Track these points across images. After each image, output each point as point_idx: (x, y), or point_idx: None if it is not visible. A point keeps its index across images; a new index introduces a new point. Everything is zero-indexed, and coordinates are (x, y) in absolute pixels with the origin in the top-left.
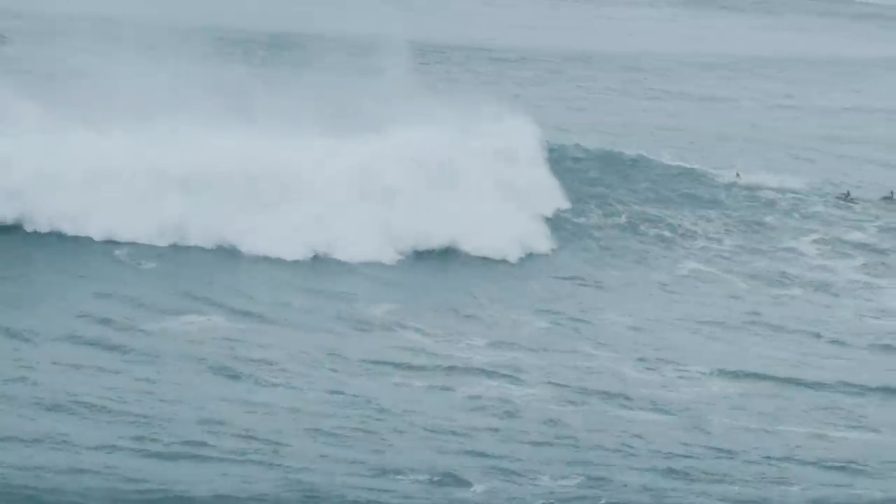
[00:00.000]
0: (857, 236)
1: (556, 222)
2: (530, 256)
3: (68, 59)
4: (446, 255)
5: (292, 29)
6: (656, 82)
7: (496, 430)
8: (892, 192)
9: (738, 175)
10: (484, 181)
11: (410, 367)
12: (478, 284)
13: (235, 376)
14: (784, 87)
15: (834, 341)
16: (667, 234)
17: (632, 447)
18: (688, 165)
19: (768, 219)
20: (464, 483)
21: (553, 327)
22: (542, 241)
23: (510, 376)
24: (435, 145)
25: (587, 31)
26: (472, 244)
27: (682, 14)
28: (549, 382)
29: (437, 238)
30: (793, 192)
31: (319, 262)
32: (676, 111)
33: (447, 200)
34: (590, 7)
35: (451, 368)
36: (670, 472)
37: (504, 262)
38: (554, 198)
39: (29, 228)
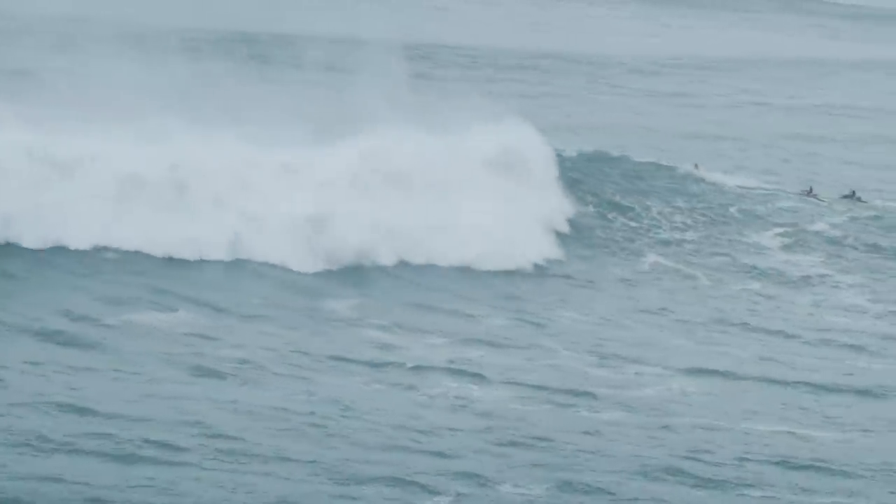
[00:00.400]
0: (819, 229)
1: (560, 226)
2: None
3: (45, 59)
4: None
5: (273, 29)
6: (628, 80)
7: (460, 430)
8: (852, 191)
9: (696, 167)
10: (488, 186)
11: (373, 365)
12: (441, 280)
13: (203, 374)
14: (754, 86)
15: (797, 338)
16: (633, 224)
17: (598, 449)
18: (655, 161)
19: (732, 210)
20: (431, 491)
21: (517, 324)
22: (555, 251)
23: (475, 374)
24: (434, 149)
25: (559, 29)
26: (482, 258)
27: (659, 13)
28: (514, 382)
29: (441, 246)
30: (757, 187)
31: (301, 264)
32: (647, 109)
33: (451, 205)
34: (565, 5)
35: (416, 368)
36: (636, 473)
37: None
38: (562, 203)
39: (7, 230)
